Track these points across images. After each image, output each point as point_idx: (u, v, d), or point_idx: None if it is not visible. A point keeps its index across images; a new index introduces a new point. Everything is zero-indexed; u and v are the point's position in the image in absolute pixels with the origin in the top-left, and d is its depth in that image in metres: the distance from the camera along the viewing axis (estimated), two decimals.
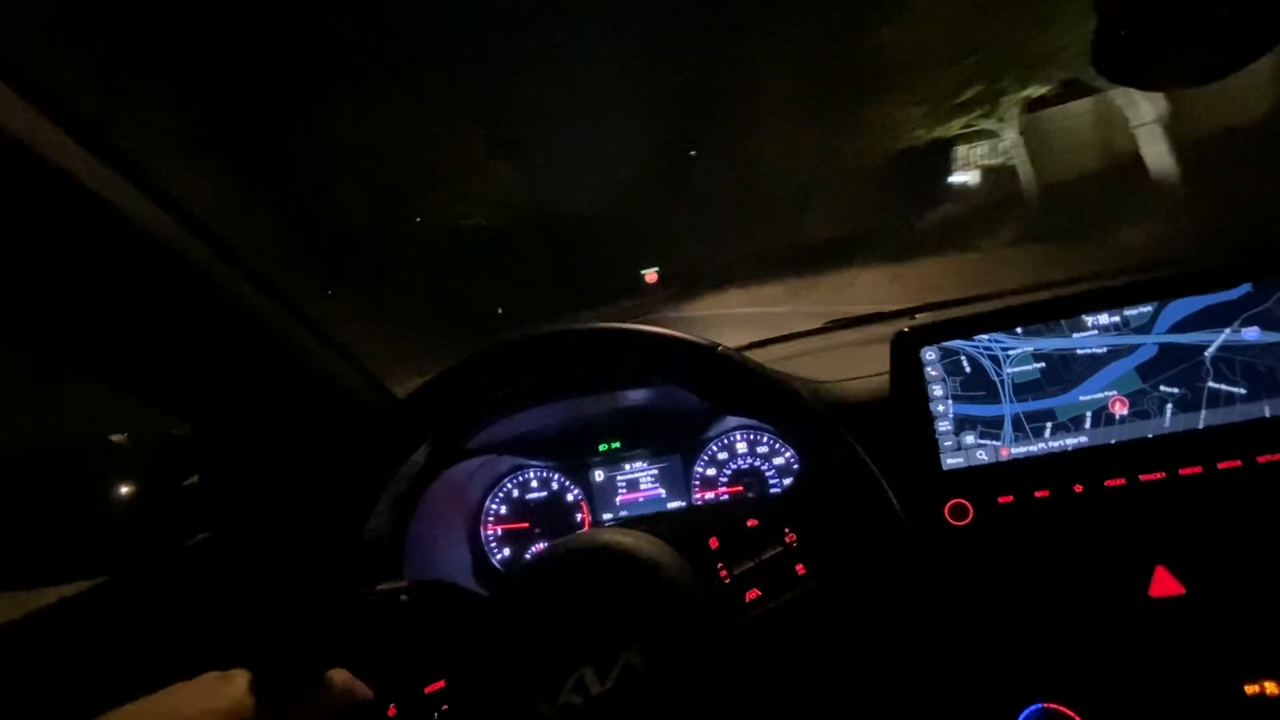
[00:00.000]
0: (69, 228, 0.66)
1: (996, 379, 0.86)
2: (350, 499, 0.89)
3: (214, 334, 0.86)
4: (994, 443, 0.86)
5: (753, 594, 0.68)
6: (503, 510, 1.18)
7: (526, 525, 1.17)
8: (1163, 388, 0.82)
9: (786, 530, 0.71)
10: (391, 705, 0.72)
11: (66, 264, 0.69)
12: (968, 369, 0.87)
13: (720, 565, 0.70)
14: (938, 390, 0.88)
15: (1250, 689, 0.73)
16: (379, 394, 1.12)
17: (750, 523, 0.72)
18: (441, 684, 0.73)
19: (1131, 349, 0.83)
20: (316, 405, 1.03)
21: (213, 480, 1.06)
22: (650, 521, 0.80)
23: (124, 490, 1.19)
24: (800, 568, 0.69)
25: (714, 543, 0.72)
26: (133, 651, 0.99)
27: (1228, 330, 0.81)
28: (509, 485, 1.18)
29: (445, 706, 0.72)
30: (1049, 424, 0.85)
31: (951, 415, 0.87)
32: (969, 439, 0.87)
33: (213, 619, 1.00)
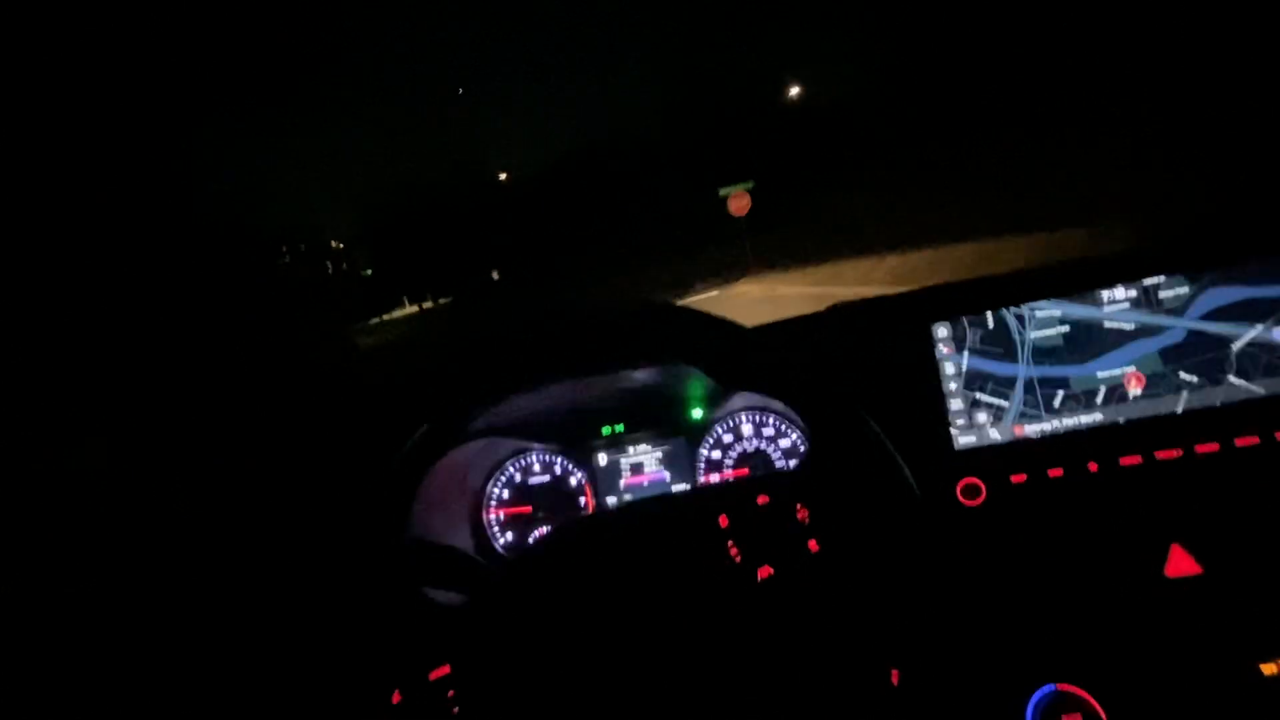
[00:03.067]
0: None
1: (1017, 338, 0.84)
2: (354, 483, 0.88)
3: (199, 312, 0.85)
4: (1007, 421, 0.85)
5: (765, 572, 0.66)
6: (505, 494, 1.16)
7: (529, 509, 1.16)
8: (1182, 374, 0.81)
9: (799, 506, 0.70)
10: (395, 691, 0.71)
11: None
12: (990, 324, 0.85)
13: (731, 544, 0.69)
14: (950, 368, 0.86)
15: (1268, 669, 0.72)
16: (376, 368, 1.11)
17: (761, 500, 0.71)
18: (447, 669, 0.71)
19: (1159, 330, 0.81)
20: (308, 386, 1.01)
21: (206, 466, 1.05)
22: (657, 500, 0.79)
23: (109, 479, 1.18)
24: (814, 544, 0.67)
25: (724, 521, 0.70)
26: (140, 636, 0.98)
27: (1260, 326, 0.79)
28: (511, 469, 1.16)
29: (452, 693, 0.70)
30: (1061, 393, 0.83)
31: (964, 393, 0.86)
32: (981, 417, 0.85)
33: (213, 611, 0.99)
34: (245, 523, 1.07)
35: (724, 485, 1.03)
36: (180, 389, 1.07)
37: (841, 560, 0.67)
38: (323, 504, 0.96)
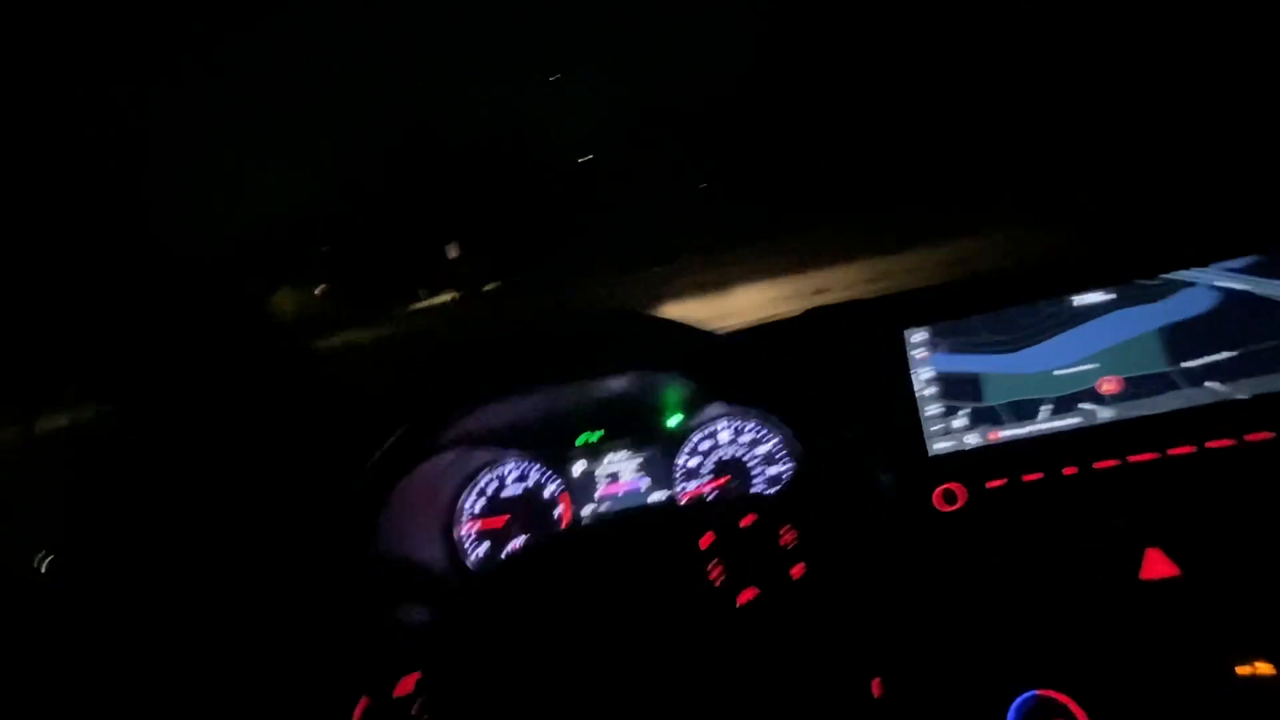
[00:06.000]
0: None
1: (991, 342, 0.84)
2: (320, 496, 0.85)
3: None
4: (983, 426, 0.85)
5: (747, 595, 0.65)
6: (480, 505, 1.14)
7: (505, 520, 1.13)
8: (1157, 377, 0.81)
9: (783, 530, 0.69)
10: (364, 697, 0.69)
11: None
12: (964, 328, 0.85)
13: (713, 566, 0.68)
14: (925, 374, 0.86)
15: (1242, 670, 0.72)
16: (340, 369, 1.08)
17: (745, 521, 0.70)
18: (411, 686, 0.69)
19: (1135, 332, 0.82)
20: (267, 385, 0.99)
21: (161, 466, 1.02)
22: (639, 516, 0.77)
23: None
24: (799, 569, 0.66)
25: (706, 541, 0.69)
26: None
27: (1236, 328, 0.79)
28: (485, 480, 1.14)
29: (422, 699, 0.68)
30: (1037, 396, 0.83)
31: (940, 399, 0.85)
32: (957, 422, 0.85)
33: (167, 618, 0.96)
34: (207, 533, 1.03)
35: (708, 504, 1.01)
36: (139, 394, 1.03)
37: (825, 585, 0.66)
38: (288, 517, 0.93)
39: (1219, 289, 0.80)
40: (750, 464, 1.10)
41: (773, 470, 1.09)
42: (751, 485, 1.10)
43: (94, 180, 0.84)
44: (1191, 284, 0.80)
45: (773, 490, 1.09)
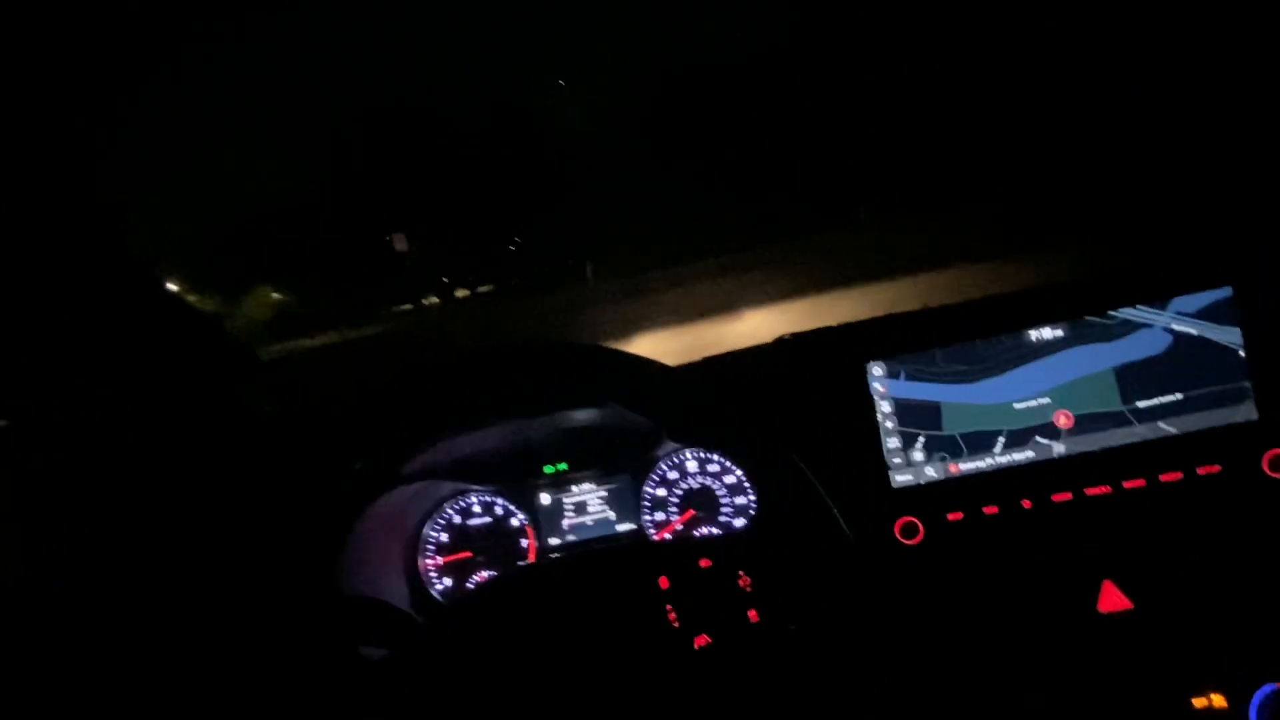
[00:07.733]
0: None
1: (951, 374, 0.85)
2: (278, 531, 0.83)
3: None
4: (943, 459, 0.85)
5: (702, 640, 0.65)
6: (443, 538, 1.12)
7: (469, 554, 1.11)
8: (1110, 411, 0.83)
9: (741, 574, 0.68)
10: None
11: None
12: (925, 360, 0.86)
13: (670, 607, 0.67)
14: (886, 406, 0.86)
15: (1198, 702, 0.73)
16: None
17: (703, 563, 0.69)
18: None
19: (1089, 367, 0.83)
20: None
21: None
22: (602, 553, 0.76)
23: None
24: (754, 614, 0.66)
25: (664, 582, 0.69)
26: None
27: (1186, 365, 0.81)
28: (449, 511, 1.12)
29: None
30: (995, 429, 0.84)
31: (900, 430, 0.86)
32: (917, 455, 0.86)
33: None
34: (162, 568, 1.00)
35: (666, 544, 1.01)
36: (84, 429, 1.00)
37: (781, 631, 0.65)
38: (244, 553, 0.91)
39: (1172, 331, 0.82)
40: (718, 493, 1.10)
41: (740, 500, 1.09)
42: (720, 514, 1.10)
43: (43, 176, 0.82)
44: (1145, 325, 0.82)
45: (741, 521, 1.09)
